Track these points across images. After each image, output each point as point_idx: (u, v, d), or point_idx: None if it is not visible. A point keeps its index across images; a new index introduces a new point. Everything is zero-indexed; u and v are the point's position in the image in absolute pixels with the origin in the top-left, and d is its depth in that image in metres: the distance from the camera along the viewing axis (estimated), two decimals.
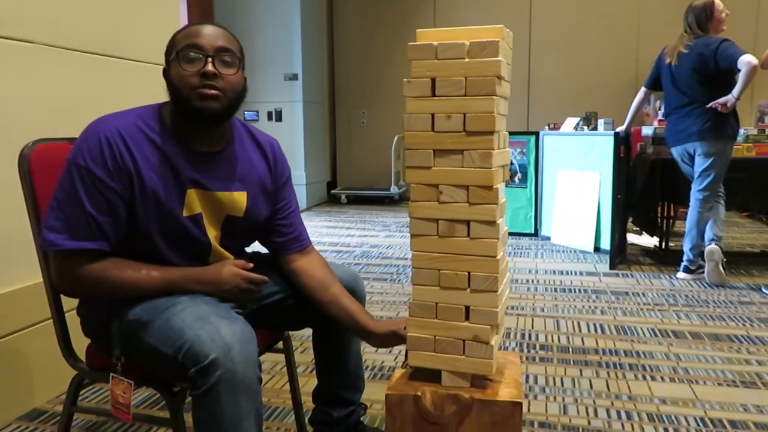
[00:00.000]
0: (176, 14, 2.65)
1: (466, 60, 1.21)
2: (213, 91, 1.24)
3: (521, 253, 4.50)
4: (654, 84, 3.83)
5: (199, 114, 1.25)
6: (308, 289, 1.47)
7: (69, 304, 1.40)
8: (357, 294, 1.55)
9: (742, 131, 3.81)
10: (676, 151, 3.70)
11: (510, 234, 5.18)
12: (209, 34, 1.26)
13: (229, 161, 1.37)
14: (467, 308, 1.27)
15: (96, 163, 1.22)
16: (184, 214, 1.30)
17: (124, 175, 1.24)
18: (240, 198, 1.39)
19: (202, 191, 1.32)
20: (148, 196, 1.26)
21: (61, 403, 1.44)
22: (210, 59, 1.24)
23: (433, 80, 1.24)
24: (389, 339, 1.45)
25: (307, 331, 1.64)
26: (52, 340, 1.45)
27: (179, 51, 1.25)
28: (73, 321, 1.42)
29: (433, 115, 1.24)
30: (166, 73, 1.30)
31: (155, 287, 1.27)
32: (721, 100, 3.38)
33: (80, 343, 1.42)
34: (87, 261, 1.23)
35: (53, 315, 1.41)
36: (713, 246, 3.53)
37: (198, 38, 1.25)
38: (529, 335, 2.73)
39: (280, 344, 1.67)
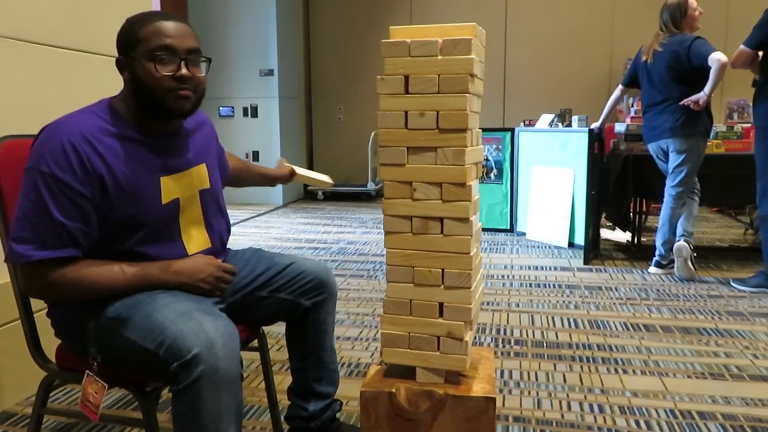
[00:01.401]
0: (148, 8, 2.61)
1: (439, 57, 1.21)
2: (187, 92, 1.28)
3: (497, 248, 4.54)
4: (631, 82, 3.89)
5: (172, 113, 1.29)
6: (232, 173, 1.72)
7: (38, 304, 1.37)
8: (328, 288, 1.57)
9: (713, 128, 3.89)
10: (651, 148, 3.77)
11: (486, 230, 5.21)
12: (179, 33, 1.27)
13: (184, 139, 1.41)
14: (441, 305, 1.28)
15: (61, 168, 1.19)
16: (163, 201, 1.32)
17: (93, 180, 1.22)
18: (202, 170, 1.44)
19: (173, 175, 1.35)
20: (126, 193, 1.26)
21: (30, 405, 1.41)
22: (183, 62, 1.26)
23: (407, 77, 1.24)
24: (290, 176, 1.85)
25: (283, 329, 1.64)
26: (20, 340, 1.43)
27: (151, 51, 1.24)
28: (42, 321, 1.39)
29: (406, 113, 1.25)
30: (126, 66, 1.28)
31: (131, 283, 1.25)
32: (694, 97, 3.44)
33: (50, 343, 1.40)
34: (58, 267, 1.20)
35: (21, 316, 1.38)
36: (682, 242, 3.60)
37: (169, 38, 1.25)
38: (504, 330, 2.75)
39: (256, 342, 1.67)
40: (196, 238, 1.41)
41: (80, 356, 1.31)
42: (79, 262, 1.23)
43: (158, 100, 1.26)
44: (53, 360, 1.39)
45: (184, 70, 1.26)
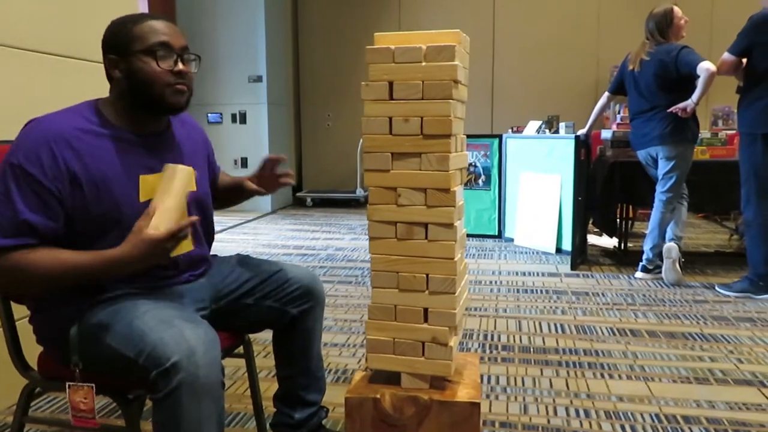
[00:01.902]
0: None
1: (423, 64, 1.22)
2: (183, 87, 1.32)
3: (485, 254, 4.55)
4: (618, 89, 3.93)
5: (169, 108, 1.33)
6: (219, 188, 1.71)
7: (20, 311, 1.36)
8: (315, 295, 1.56)
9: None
10: (640, 155, 3.81)
11: (474, 236, 5.23)
12: (172, 31, 1.32)
13: (173, 141, 1.43)
14: (426, 310, 1.29)
15: (31, 162, 1.19)
16: (141, 200, 1.30)
17: (64, 177, 1.21)
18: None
19: (155, 174, 1.33)
20: (101, 191, 1.25)
21: (12, 414, 1.40)
22: (179, 58, 1.31)
23: (391, 83, 1.24)
24: (273, 182, 1.66)
25: (269, 336, 1.64)
26: (1, 348, 1.41)
27: (150, 48, 1.28)
28: (23, 328, 1.38)
29: (390, 118, 1.25)
30: (119, 64, 1.29)
31: (96, 266, 1.18)
32: (681, 105, 3.48)
33: (32, 351, 1.38)
34: (10, 253, 1.16)
35: (2, 323, 1.37)
36: (671, 243, 3.64)
37: (166, 36, 1.30)
38: (492, 336, 2.75)
39: (241, 349, 1.66)
40: (183, 243, 1.39)
41: (62, 364, 1.29)
42: (34, 249, 1.18)
43: (157, 94, 1.29)
44: (35, 368, 1.38)
45: (181, 65, 1.31)
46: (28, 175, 1.18)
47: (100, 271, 1.18)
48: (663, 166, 3.65)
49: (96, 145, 1.27)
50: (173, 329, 1.14)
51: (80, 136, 1.25)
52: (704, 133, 4.11)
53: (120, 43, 1.29)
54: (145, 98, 1.30)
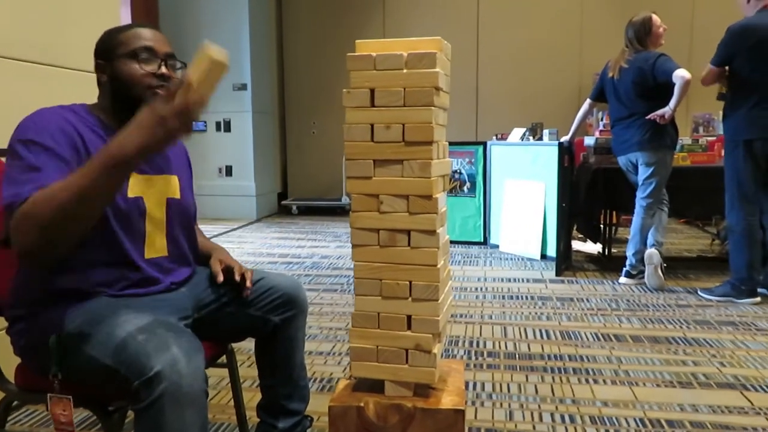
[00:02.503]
0: (116, 23, 2.59)
1: (405, 71, 1.22)
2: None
3: (470, 261, 4.56)
4: (598, 96, 3.97)
5: None
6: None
7: None
8: (298, 303, 1.56)
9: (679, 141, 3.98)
10: (621, 161, 3.85)
11: (459, 243, 5.24)
12: (158, 38, 1.36)
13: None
14: (409, 317, 1.28)
15: (43, 137, 1.22)
16: (129, 195, 1.34)
17: (73, 151, 1.25)
18: (173, 180, 1.46)
19: (142, 176, 1.37)
20: None
21: None
22: (163, 62, 1.34)
23: (372, 91, 1.24)
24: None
25: (253, 345, 1.62)
26: None
27: (133, 51, 1.32)
28: (0, 340, 1.36)
29: (372, 126, 1.25)
30: (105, 68, 1.34)
31: (101, 171, 1.08)
32: (659, 112, 3.53)
33: (9, 363, 1.36)
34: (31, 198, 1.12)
35: None
36: (652, 249, 3.67)
37: (150, 41, 1.34)
38: (477, 342, 2.76)
39: (224, 359, 1.64)
40: (158, 245, 1.40)
41: (41, 375, 1.27)
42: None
43: (137, 95, 1.30)
44: (12, 380, 1.35)
45: (164, 69, 1.33)
46: (40, 145, 1.21)
47: (104, 163, 1.08)
48: (643, 172, 3.69)
49: (93, 138, 1.31)
50: (156, 338, 1.13)
51: (81, 125, 1.30)
52: (685, 140, 4.17)
53: (107, 48, 1.34)
54: (127, 100, 1.32)
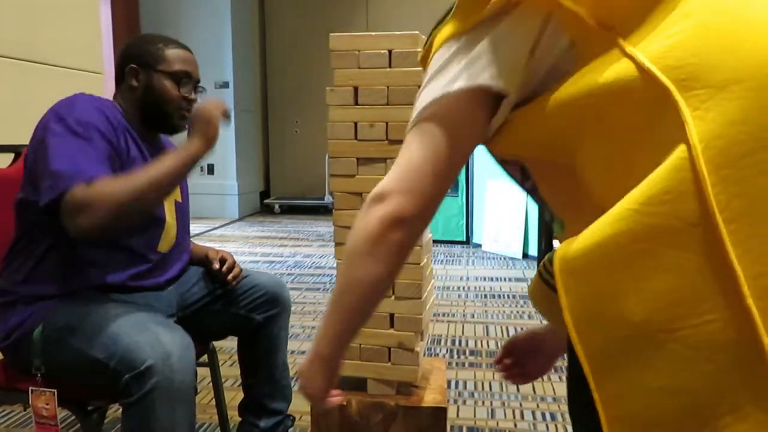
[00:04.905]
0: (96, 19, 2.56)
1: (388, 69, 1.23)
2: (189, 114, 1.40)
3: (453, 260, 4.57)
4: None
5: (172, 128, 1.43)
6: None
7: None
8: (281, 302, 1.56)
9: None
10: None
11: (442, 242, 5.25)
12: (195, 65, 1.45)
13: (164, 151, 1.46)
14: (392, 316, 1.29)
15: (96, 120, 1.24)
16: None
17: (117, 139, 1.29)
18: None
19: None
20: (126, 167, 1.29)
21: None
22: (195, 89, 1.43)
23: (356, 89, 1.25)
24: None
25: (235, 344, 1.62)
26: None
27: (176, 73, 1.38)
28: None
29: (356, 124, 1.25)
30: (141, 76, 1.38)
31: (184, 163, 1.25)
32: None
33: None
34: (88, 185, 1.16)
35: None
36: None
37: (190, 66, 1.42)
38: (459, 341, 2.77)
39: (206, 358, 1.63)
40: (169, 239, 1.44)
41: (22, 372, 1.25)
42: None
43: (166, 113, 1.38)
44: None
45: (194, 95, 1.42)
46: (99, 132, 1.23)
47: (182, 159, 1.24)
48: None
49: (124, 134, 1.33)
50: (148, 332, 1.13)
51: (114, 114, 1.33)
52: None
53: (148, 57, 1.38)
54: (154, 113, 1.39)
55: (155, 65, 1.38)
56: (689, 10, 0.61)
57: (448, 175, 0.73)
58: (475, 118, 0.70)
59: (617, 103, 0.61)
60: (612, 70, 0.61)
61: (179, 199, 1.51)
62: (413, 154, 0.71)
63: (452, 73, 0.68)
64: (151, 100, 1.38)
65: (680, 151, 0.57)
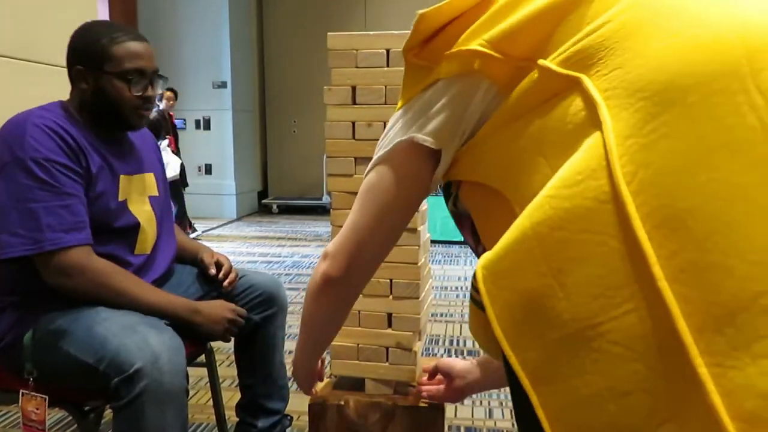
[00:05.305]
0: (93, 17, 2.55)
1: (386, 69, 1.22)
2: (148, 111, 1.36)
3: (451, 260, 4.57)
4: None
5: (130, 128, 1.37)
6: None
7: None
8: (278, 302, 1.55)
9: None
10: None
11: (440, 242, 5.25)
12: (147, 56, 1.32)
13: (131, 147, 1.43)
14: (390, 315, 1.28)
15: (54, 152, 1.20)
16: (120, 198, 1.33)
17: (79, 162, 1.25)
18: (151, 178, 1.45)
19: (127, 176, 1.37)
20: (91, 185, 1.27)
21: None
22: (150, 84, 1.33)
23: (354, 88, 1.24)
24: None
25: (232, 345, 1.61)
26: None
27: (124, 72, 1.27)
28: None
29: (354, 123, 1.25)
30: (88, 78, 1.29)
31: (153, 305, 1.26)
32: None
33: None
34: (89, 251, 1.23)
35: None
36: None
37: (141, 61, 1.30)
38: (458, 341, 2.77)
39: (203, 358, 1.63)
40: (146, 244, 1.40)
41: (14, 375, 1.25)
42: (105, 261, 1.25)
43: (122, 115, 1.31)
44: None
45: (150, 91, 1.33)
46: (59, 165, 1.20)
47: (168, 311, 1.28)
48: None
49: (82, 141, 1.28)
50: (137, 335, 1.12)
51: (68, 129, 1.26)
52: None
53: (93, 57, 1.27)
54: (108, 116, 1.32)
55: (102, 65, 1.27)
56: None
57: (389, 237, 0.81)
58: (418, 169, 0.76)
59: (539, 108, 0.63)
60: (527, 79, 0.64)
61: (155, 193, 1.45)
62: (355, 218, 0.78)
63: (393, 132, 0.76)
64: (103, 103, 1.29)
65: (595, 131, 0.56)
